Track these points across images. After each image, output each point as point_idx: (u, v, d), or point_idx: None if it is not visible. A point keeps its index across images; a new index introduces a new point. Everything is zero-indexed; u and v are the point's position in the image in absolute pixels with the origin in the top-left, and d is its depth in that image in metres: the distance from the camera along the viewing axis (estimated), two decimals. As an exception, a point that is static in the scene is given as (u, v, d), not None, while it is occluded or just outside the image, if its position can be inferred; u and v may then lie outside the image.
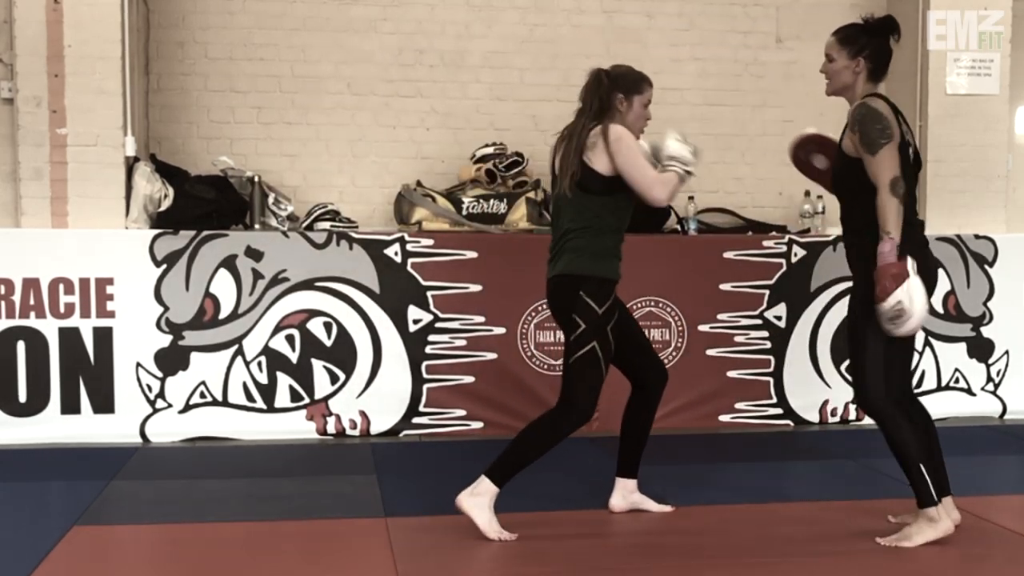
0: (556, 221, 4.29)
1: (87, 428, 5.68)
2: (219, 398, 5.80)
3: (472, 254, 5.95)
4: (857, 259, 4.12)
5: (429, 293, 5.93)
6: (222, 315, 5.77)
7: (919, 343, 6.40)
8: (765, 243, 6.28)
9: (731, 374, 6.23)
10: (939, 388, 6.47)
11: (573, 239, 4.17)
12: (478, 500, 4.04)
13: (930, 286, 4.07)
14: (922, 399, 6.32)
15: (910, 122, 6.93)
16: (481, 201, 6.38)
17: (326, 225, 6.08)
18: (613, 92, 4.20)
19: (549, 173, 4.40)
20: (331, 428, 5.90)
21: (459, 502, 4.06)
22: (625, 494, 4.42)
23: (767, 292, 6.24)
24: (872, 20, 4.15)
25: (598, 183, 4.13)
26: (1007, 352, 6.51)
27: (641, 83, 4.27)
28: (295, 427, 5.85)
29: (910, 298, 3.84)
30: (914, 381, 6.43)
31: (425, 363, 5.95)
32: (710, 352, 6.20)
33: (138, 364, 5.72)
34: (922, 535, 4.00)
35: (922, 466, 3.99)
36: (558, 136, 4.28)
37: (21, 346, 5.63)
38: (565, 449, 5.67)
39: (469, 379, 5.98)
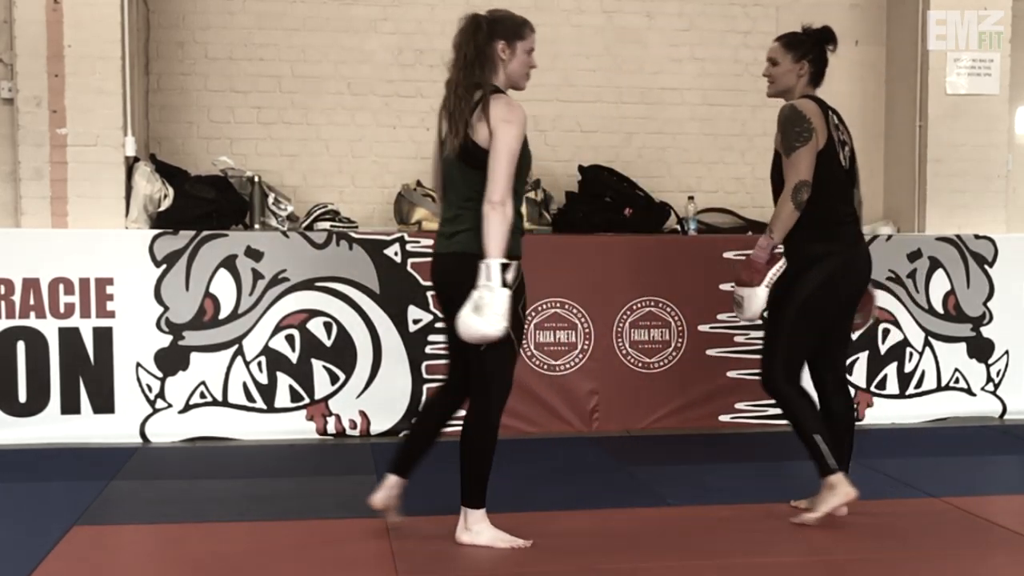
0: (447, 192, 3.98)
1: (87, 428, 5.68)
2: (219, 398, 5.80)
3: (472, 254, 5.94)
4: (792, 254, 4.29)
5: (429, 293, 5.93)
6: (222, 315, 5.77)
7: (919, 343, 6.41)
8: (765, 243, 6.27)
9: (731, 374, 6.23)
10: (939, 388, 6.47)
11: (474, 213, 3.79)
12: (475, 529, 3.93)
13: (857, 288, 4.32)
14: (922, 399, 6.44)
15: (910, 122, 7.00)
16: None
17: (326, 225, 6.08)
18: (493, 40, 3.90)
19: (437, 139, 4.16)
20: (331, 428, 5.90)
21: (459, 540, 3.93)
22: (391, 493, 4.11)
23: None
24: (812, 29, 4.39)
25: (483, 157, 3.80)
26: (1007, 352, 6.51)
27: (523, 28, 4.00)
28: (295, 427, 5.85)
29: (749, 301, 4.17)
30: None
31: (425, 363, 5.95)
32: (710, 352, 6.20)
33: (138, 364, 5.72)
34: (825, 504, 4.19)
35: (818, 438, 4.22)
36: (443, 98, 4.03)
37: (21, 346, 5.63)
38: (565, 449, 5.69)
39: (469, 379, 5.98)
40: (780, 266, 4.21)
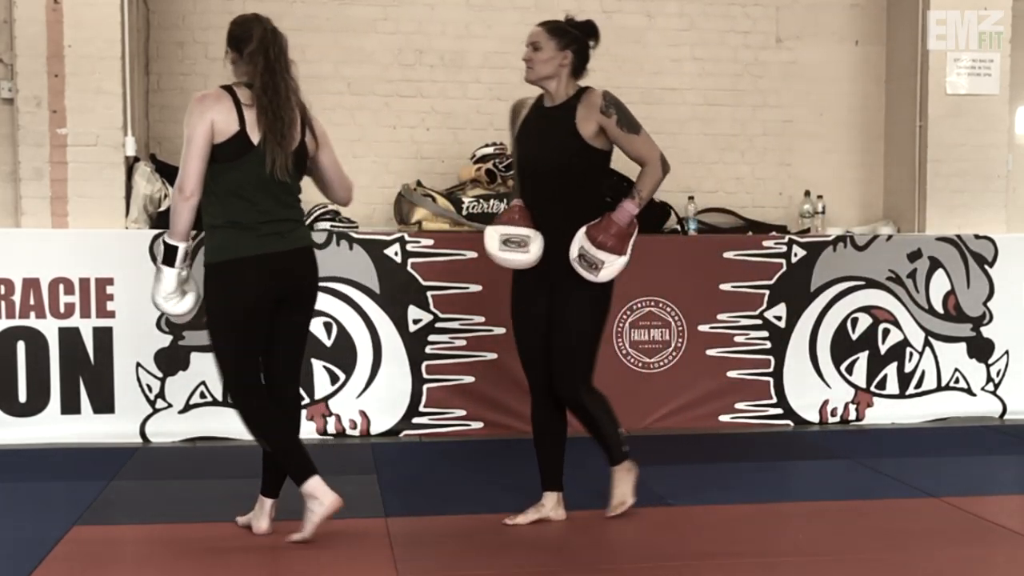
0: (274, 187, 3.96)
1: (87, 428, 5.68)
2: (219, 398, 5.79)
3: (472, 254, 5.94)
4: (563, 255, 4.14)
5: (429, 293, 5.93)
6: (222, 315, 5.76)
7: (919, 343, 6.41)
8: (765, 243, 6.28)
9: (731, 374, 6.23)
10: (939, 388, 6.47)
11: (299, 208, 4.07)
12: None
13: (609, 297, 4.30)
14: (922, 399, 6.44)
15: (911, 122, 7.01)
16: (481, 201, 6.38)
17: (326, 225, 6.08)
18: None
19: None
20: (331, 428, 5.90)
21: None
22: (269, 514, 4.14)
23: (767, 292, 6.24)
24: (576, 21, 4.26)
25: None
26: (1007, 352, 6.50)
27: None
28: (295, 427, 5.85)
29: (610, 267, 4.08)
30: (911, 382, 6.45)
31: (425, 363, 5.95)
32: (710, 352, 6.20)
33: (138, 364, 5.72)
34: (627, 483, 4.36)
35: (620, 429, 4.33)
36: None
37: (21, 346, 5.63)
38: (566, 449, 5.67)
39: (469, 379, 5.98)
40: (635, 234, 4.19)
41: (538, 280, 4.19)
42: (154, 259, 5.66)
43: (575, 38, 4.19)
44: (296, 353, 4.09)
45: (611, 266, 4.07)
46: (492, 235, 4.18)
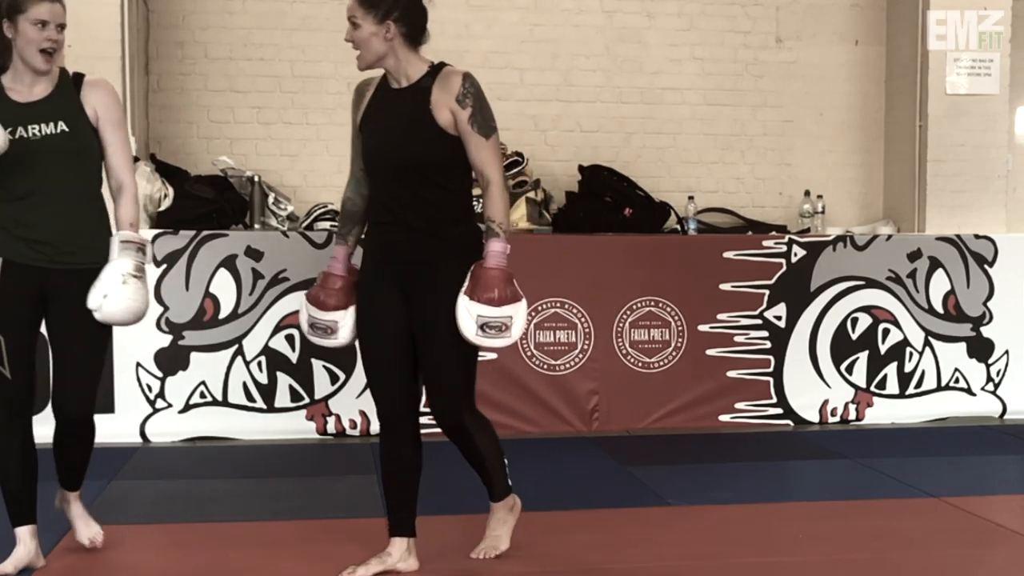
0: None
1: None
2: (219, 398, 5.80)
3: (472, 254, 5.94)
4: (458, 252, 3.53)
5: (429, 293, 5.92)
6: (222, 315, 5.77)
7: (919, 343, 6.41)
8: (765, 243, 6.28)
9: (731, 374, 6.23)
10: (939, 388, 6.47)
11: None
12: None
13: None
14: (922, 399, 6.44)
15: (911, 122, 7.01)
16: (481, 201, 6.35)
17: (326, 225, 6.08)
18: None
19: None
20: (331, 428, 5.90)
21: None
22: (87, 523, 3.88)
23: (767, 292, 6.24)
24: None
25: None
26: (1007, 352, 6.50)
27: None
28: (295, 427, 5.85)
29: (518, 318, 3.47)
30: (911, 382, 6.45)
31: (425, 363, 5.94)
32: (710, 352, 6.20)
33: (138, 364, 5.72)
34: (506, 526, 3.84)
35: (505, 459, 3.78)
36: None
37: (21, 346, 5.62)
38: (565, 449, 5.69)
39: (469, 379, 5.97)
40: None
41: (390, 289, 3.55)
42: (155, 259, 5.66)
43: (394, 4, 3.51)
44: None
45: (518, 317, 3.46)
46: (303, 317, 3.70)
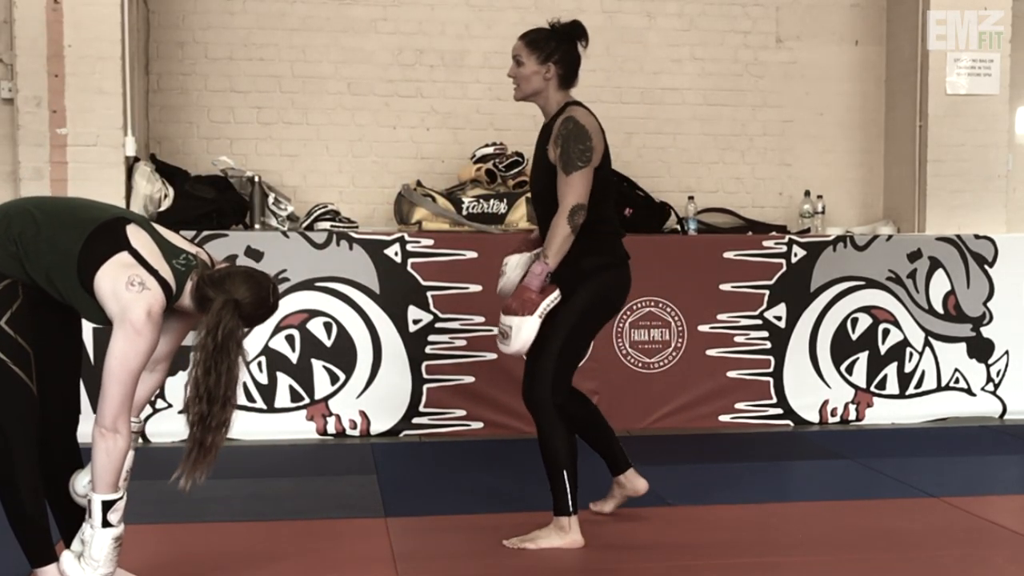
0: None
1: (87, 428, 5.64)
2: (219, 398, 5.79)
3: (472, 254, 5.95)
4: (564, 265, 3.90)
5: (429, 293, 5.93)
6: (222, 315, 5.76)
7: (919, 343, 6.41)
8: (765, 243, 6.28)
9: (731, 374, 6.23)
10: (939, 388, 6.47)
11: None
12: None
13: (614, 306, 4.13)
14: (922, 399, 6.44)
15: (911, 122, 7.01)
16: (481, 201, 6.38)
17: (326, 225, 6.08)
18: None
19: None
20: (331, 428, 5.90)
21: None
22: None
23: (767, 292, 6.24)
24: (560, 24, 4.08)
25: None
26: (1007, 352, 6.50)
27: None
28: (295, 427, 5.85)
29: (518, 331, 3.82)
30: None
31: (425, 363, 5.95)
32: (710, 352, 6.20)
33: (138, 364, 5.71)
34: (548, 540, 3.95)
35: (566, 473, 3.95)
36: None
37: (21, 346, 5.61)
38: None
39: (469, 379, 5.98)
40: (554, 297, 3.86)
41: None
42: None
43: (557, 47, 4.00)
44: None
45: (521, 330, 3.80)
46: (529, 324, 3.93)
